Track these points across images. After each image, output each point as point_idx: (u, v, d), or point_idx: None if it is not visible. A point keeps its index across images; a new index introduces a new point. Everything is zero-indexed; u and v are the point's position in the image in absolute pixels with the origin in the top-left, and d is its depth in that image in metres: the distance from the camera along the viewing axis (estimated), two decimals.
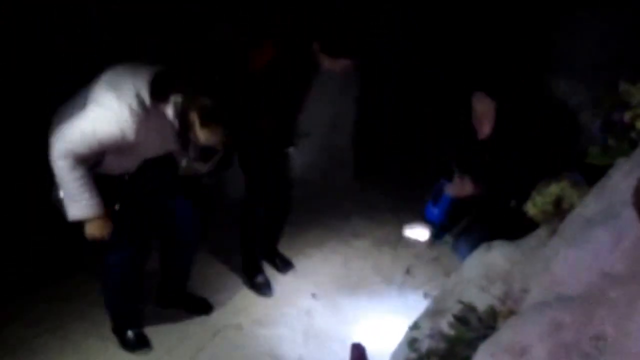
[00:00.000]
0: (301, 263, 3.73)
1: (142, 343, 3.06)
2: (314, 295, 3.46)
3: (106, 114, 2.44)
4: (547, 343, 1.36)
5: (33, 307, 3.26)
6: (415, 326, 1.92)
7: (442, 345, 1.73)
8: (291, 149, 3.38)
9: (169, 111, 2.53)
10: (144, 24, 3.58)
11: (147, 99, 2.47)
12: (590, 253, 1.50)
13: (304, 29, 2.95)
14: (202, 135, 2.55)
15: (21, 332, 3.09)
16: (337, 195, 4.58)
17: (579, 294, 1.45)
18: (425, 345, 1.81)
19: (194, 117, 2.51)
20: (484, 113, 2.87)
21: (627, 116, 1.83)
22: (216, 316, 3.30)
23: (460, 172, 3.04)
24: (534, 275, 1.64)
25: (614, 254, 1.46)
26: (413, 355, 1.82)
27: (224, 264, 3.63)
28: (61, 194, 2.57)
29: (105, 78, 2.53)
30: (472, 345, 1.63)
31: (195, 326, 3.21)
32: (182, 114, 2.52)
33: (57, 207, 2.63)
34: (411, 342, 1.87)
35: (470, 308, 1.73)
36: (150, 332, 3.11)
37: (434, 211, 3.07)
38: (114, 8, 3.49)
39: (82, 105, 2.51)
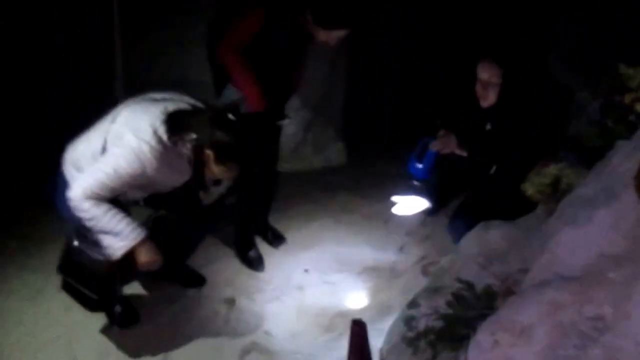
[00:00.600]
0: (292, 238, 3.71)
1: (130, 317, 3.01)
2: (306, 271, 3.47)
3: (127, 154, 2.49)
4: (547, 323, 1.38)
5: (14, 277, 3.23)
6: (412, 304, 1.93)
7: (439, 323, 1.75)
8: (285, 122, 3.36)
9: (185, 149, 2.59)
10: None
11: (164, 136, 2.53)
12: (589, 234, 1.52)
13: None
14: (217, 171, 2.62)
15: (1, 301, 3.07)
16: (327, 170, 4.58)
17: (578, 274, 1.46)
18: (422, 323, 1.83)
19: (209, 155, 2.57)
20: (490, 81, 2.86)
21: (627, 99, 1.85)
22: (208, 290, 3.28)
23: (445, 128, 3.03)
24: (533, 255, 1.65)
25: (614, 235, 1.48)
26: (410, 333, 1.84)
27: (216, 237, 3.59)
28: (97, 237, 2.56)
29: (122, 119, 2.59)
30: (470, 324, 1.65)
31: (187, 300, 3.19)
32: (197, 151, 2.59)
33: (77, 255, 2.64)
34: (408, 320, 1.89)
35: (468, 287, 1.75)
36: (139, 304, 3.07)
37: (419, 167, 3.06)
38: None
39: (101, 148, 2.57)
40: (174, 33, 4.03)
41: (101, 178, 2.48)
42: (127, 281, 2.92)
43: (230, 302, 3.22)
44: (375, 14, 4.02)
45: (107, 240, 2.55)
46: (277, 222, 3.76)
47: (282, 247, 3.65)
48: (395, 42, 4.63)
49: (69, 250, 2.69)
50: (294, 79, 3.24)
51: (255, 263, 3.48)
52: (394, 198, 3.16)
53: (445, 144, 3.01)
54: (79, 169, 2.60)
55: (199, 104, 2.71)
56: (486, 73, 2.85)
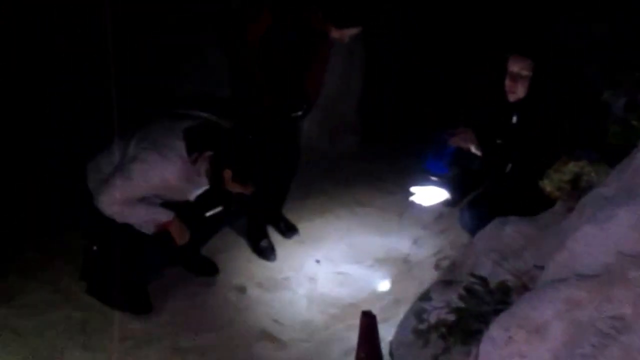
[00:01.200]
0: (305, 229, 3.69)
1: (142, 304, 3.02)
2: (317, 262, 3.46)
3: (149, 168, 2.70)
4: (563, 321, 1.36)
5: (31, 260, 3.23)
6: (424, 297, 1.91)
7: (451, 317, 1.73)
8: (299, 113, 3.35)
9: (204, 165, 2.78)
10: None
11: (184, 153, 2.72)
12: (609, 232, 1.49)
13: None
14: (235, 187, 2.84)
15: (19, 283, 3.07)
16: (342, 162, 4.56)
17: (596, 272, 1.44)
18: (434, 316, 1.80)
19: (227, 173, 2.77)
20: (520, 73, 2.82)
21: None
22: (220, 278, 3.28)
23: (464, 124, 3.02)
24: (550, 252, 1.62)
25: (634, 235, 1.45)
26: (421, 325, 1.82)
27: (228, 226, 3.59)
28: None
29: (143, 136, 2.79)
30: (483, 318, 1.63)
31: (199, 287, 3.19)
32: (215, 168, 2.78)
33: (96, 259, 2.92)
34: (419, 313, 1.87)
35: (482, 281, 1.72)
36: (151, 291, 3.06)
37: (435, 162, 3.04)
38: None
39: (123, 162, 2.76)
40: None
41: (124, 190, 2.69)
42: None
43: (242, 290, 3.21)
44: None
45: (141, 225, 2.79)
46: (290, 213, 3.75)
47: (295, 238, 3.64)
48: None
49: (88, 256, 2.94)
50: (305, 70, 3.23)
51: (267, 253, 3.48)
52: (413, 188, 3.13)
53: (463, 140, 2.99)
54: (102, 182, 2.76)
55: (219, 120, 2.86)
56: (516, 66, 2.82)
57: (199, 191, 2.94)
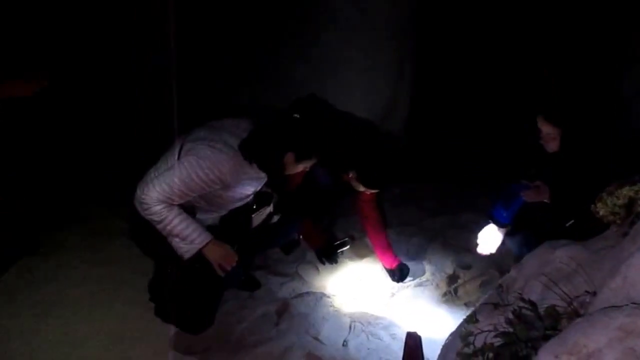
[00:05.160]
0: (350, 248, 3.67)
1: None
2: (360, 280, 3.44)
3: (202, 160, 2.59)
4: (617, 349, 1.31)
5: (74, 269, 3.29)
6: (470, 319, 1.87)
7: (498, 341, 1.68)
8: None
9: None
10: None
11: (235, 146, 2.65)
12: None
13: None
14: (298, 168, 2.79)
15: (63, 292, 3.13)
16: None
17: None
18: (480, 339, 1.76)
19: (290, 157, 2.70)
20: (549, 132, 2.77)
21: None
22: (261, 293, 3.29)
23: (540, 178, 2.92)
24: (603, 278, 1.57)
25: None
26: (467, 349, 1.78)
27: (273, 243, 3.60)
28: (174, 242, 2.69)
29: (191, 139, 2.70)
30: (532, 344, 1.58)
31: (241, 302, 3.20)
32: (275, 155, 2.69)
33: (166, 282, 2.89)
34: (465, 336, 1.83)
35: (531, 306, 1.68)
36: None
37: (504, 214, 2.96)
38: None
39: (174, 160, 2.66)
40: None
41: (175, 183, 2.56)
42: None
43: (283, 306, 3.21)
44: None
45: (175, 244, 2.67)
46: (335, 230, 3.75)
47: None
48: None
49: (161, 277, 2.94)
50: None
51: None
52: (479, 239, 3.05)
53: (538, 195, 2.88)
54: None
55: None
56: (544, 128, 2.78)
57: (256, 185, 2.88)
